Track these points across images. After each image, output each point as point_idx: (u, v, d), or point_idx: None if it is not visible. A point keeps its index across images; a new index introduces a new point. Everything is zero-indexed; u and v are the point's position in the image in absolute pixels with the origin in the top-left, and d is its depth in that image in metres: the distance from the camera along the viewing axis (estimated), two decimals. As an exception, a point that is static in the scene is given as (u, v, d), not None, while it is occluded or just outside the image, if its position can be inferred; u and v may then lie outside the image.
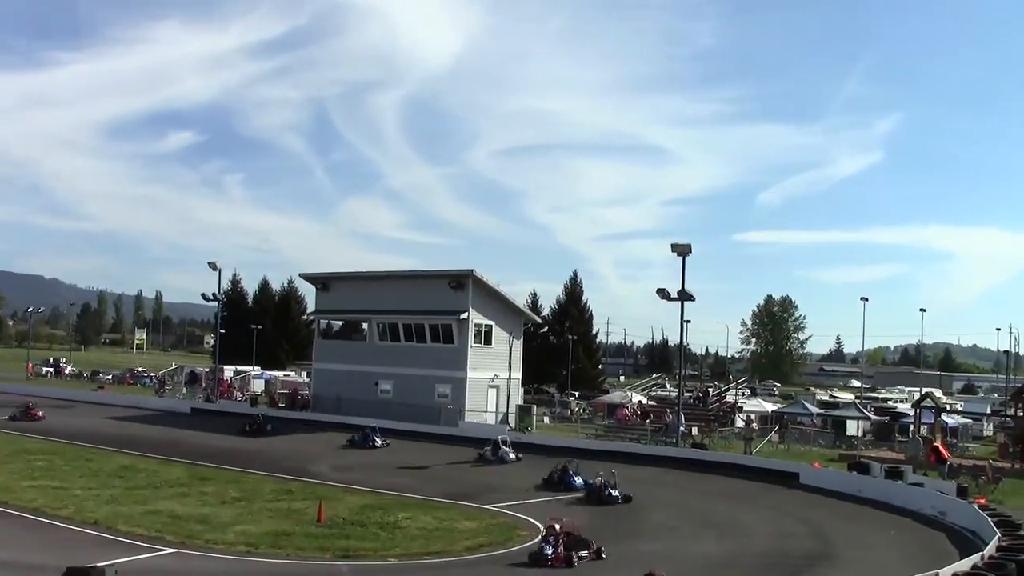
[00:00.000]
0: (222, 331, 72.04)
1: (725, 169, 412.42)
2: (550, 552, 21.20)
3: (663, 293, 42.76)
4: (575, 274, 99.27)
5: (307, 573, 20.32)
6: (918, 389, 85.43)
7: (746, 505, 31.39)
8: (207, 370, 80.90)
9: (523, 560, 21.49)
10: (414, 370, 51.24)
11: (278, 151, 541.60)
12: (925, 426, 48.04)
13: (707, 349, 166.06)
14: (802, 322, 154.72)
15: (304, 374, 75.31)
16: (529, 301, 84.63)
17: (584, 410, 66.50)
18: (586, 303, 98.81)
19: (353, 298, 56.06)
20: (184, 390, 72.78)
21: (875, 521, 28.72)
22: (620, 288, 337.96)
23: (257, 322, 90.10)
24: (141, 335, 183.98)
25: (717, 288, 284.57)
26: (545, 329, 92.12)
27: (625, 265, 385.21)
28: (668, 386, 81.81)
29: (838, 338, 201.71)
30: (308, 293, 77.97)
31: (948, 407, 61.96)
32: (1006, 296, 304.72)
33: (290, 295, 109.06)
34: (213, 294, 63.22)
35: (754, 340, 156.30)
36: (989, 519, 25.22)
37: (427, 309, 52.07)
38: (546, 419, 60.67)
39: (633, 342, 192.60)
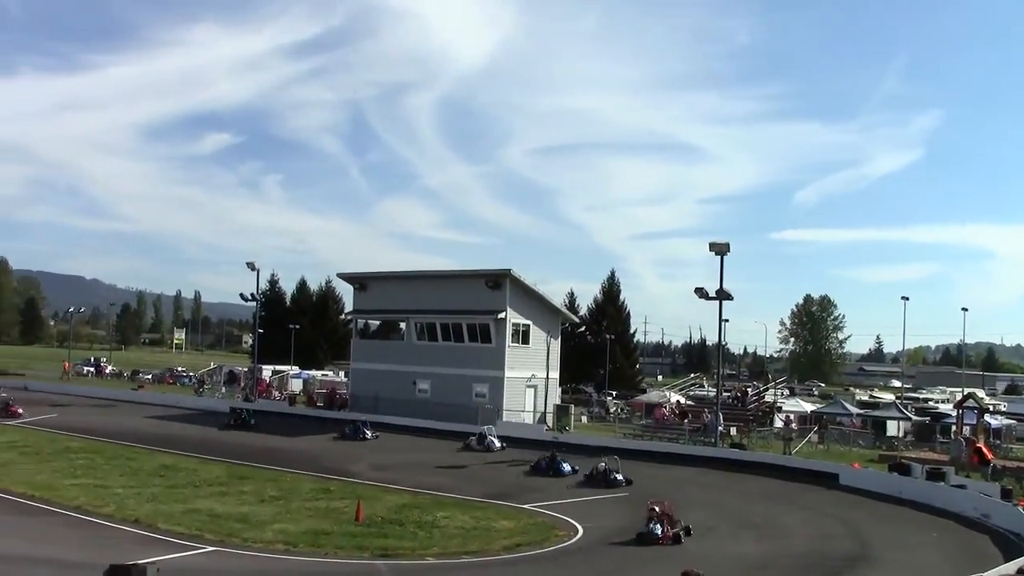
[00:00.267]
0: (260, 331, 72.55)
1: (761, 167, 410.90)
2: (659, 531, 23.38)
3: (701, 292, 42.49)
4: (612, 273, 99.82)
5: (345, 572, 20.38)
6: (960, 389, 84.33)
7: (785, 506, 31.15)
8: (245, 370, 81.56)
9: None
10: (451, 369, 51.31)
11: (314, 152, 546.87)
12: (968, 427, 47.29)
13: (745, 349, 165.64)
14: (841, 321, 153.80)
15: (342, 374, 75.78)
16: (566, 300, 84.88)
17: (622, 410, 66.16)
18: (623, 302, 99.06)
19: (390, 298, 56.21)
20: (223, 389, 73.32)
21: (916, 523, 28.39)
22: (657, 287, 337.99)
23: (295, 322, 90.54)
24: (180, 335, 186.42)
25: (754, 287, 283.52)
26: (583, 329, 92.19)
27: (662, 264, 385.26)
28: (706, 386, 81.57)
29: (878, 338, 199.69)
30: (346, 293, 78.70)
31: (991, 408, 61.07)
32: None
33: (328, 295, 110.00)
34: (252, 294, 63.85)
35: (793, 340, 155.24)
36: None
37: (464, 308, 52.12)
38: (584, 419, 60.43)
39: (671, 341, 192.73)
